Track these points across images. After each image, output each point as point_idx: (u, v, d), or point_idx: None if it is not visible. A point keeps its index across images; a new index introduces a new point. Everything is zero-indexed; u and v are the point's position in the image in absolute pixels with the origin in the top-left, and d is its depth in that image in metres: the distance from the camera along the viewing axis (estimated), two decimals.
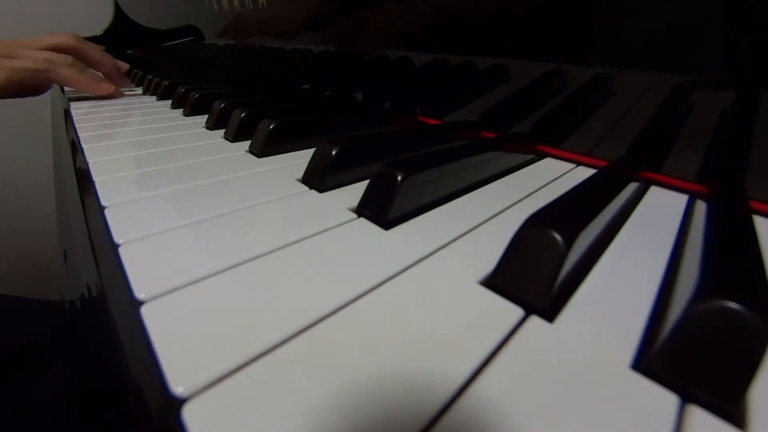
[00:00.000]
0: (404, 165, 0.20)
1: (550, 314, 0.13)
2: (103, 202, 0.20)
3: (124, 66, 0.68)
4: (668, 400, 0.10)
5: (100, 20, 1.31)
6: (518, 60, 0.32)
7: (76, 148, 0.32)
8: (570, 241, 0.13)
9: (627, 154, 0.27)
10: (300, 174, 0.25)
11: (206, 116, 0.41)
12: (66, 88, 0.65)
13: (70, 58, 0.54)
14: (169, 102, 0.51)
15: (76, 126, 0.39)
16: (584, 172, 0.28)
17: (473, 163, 0.24)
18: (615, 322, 0.13)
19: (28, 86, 0.52)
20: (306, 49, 0.56)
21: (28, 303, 0.59)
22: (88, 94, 0.57)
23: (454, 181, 0.23)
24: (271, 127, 0.30)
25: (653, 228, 0.20)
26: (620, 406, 0.10)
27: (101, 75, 0.61)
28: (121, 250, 0.16)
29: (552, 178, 0.27)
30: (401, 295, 0.14)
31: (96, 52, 0.62)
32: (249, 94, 0.50)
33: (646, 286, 0.15)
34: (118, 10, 1.30)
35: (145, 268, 0.15)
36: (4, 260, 1.19)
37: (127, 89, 0.65)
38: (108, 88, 0.56)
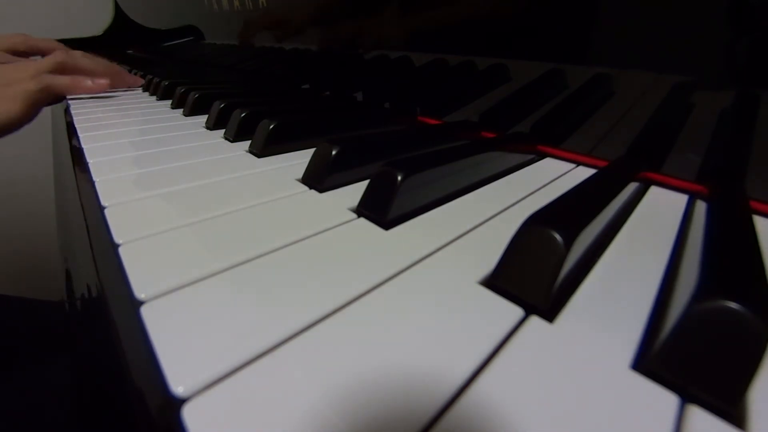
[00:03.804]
0: (404, 165, 0.20)
1: (550, 314, 0.13)
2: (103, 202, 0.20)
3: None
4: (668, 400, 0.10)
5: (100, 20, 1.31)
6: (518, 60, 0.32)
7: (76, 147, 0.32)
8: (570, 241, 0.13)
9: (627, 154, 0.27)
10: (300, 174, 0.25)
11: (206, 116, 0.41)
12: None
13: (59, 60, 0.54)
14: (169, 102, 0.51)
15: (76, 126, 0.39)
16: (584, 172, 0.28)
17: (473, 163, 0.24)
18: (615, 322, 0.13)
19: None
20: (306, 49, 0.56)
21: (28, 303, 0.59)
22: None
23: (454, 181, 0.23)
24: (271, 127, 0.30)
25: (653, 228, 0.20)
26: (620, 406, 0.10)
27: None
28: (121, 250, 0.16)
29: (552, 178, 0.27)
30: (401, 295, 0.14)
31: (91, 63, 0.60)
32: (249, 94, 0.50)
33: (646, 286, 0.15)
34: (118, 10, 1.30)
35: (145, 268, 0.15)
36: (4, 260, 1.19)
37: (127, 89, 0.65)
38: (102, 83, 0.56)
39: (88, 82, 0.55)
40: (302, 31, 0.55)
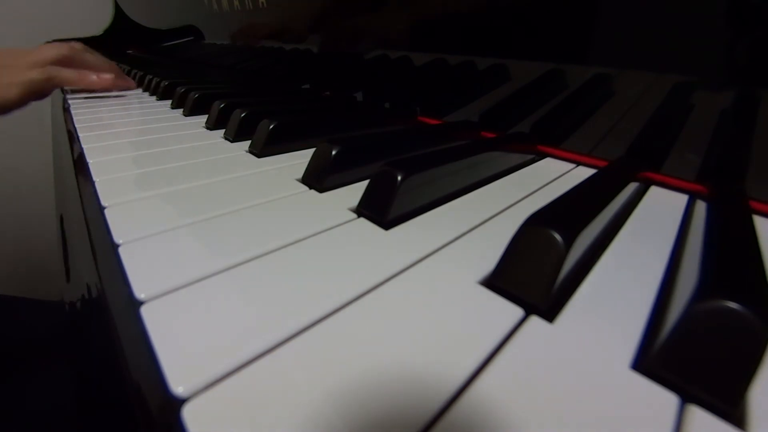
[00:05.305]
0: (404, 165, 0.20)
1: (550, 314, 0.13)
2: (103, 202, 0.20)
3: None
4: (668, 400, 0.10)
5: (100, 20, 1.31)
6: (518, 60, 0.32)
7: (76, 147, 0.32)
8: (570, 241, 0.13)
9: (627, 154, 0.27)
10: (300, 174, 0.25)
11: (206, 116, 0.41)
12: (66, 88, 0.65)
13: (64, 53, 0.55)
14: (169, 102, 0.51)
15: (76, 126, 0.39)
16: (584, 172, 0.28)
17: (473, 163, 0.24)
18: (615, 322, 0.13)
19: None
20: (306, 49, 0.56)
21: (28, 303, 0.59)
22: (89, 91, 0.58)
23: (454, 181, 0.23)
24: (271, 127, 0.30)
25: (653, 228, 0.20)
26: (620, 406, 0.10)
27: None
28: (121, 250, 0.16)
29: (552, 178, 0.27)
30: (401, 295, 0.14)
31: (94, 58, 0.61)
32: (249, 94, 0.50)
33: (646, 286, 0.15)
34: (118, 10, 1.30)
35: (144, 268, 0.15)
36: (4, 260, 1.19)
37: (128, 91, 0.65)
38: (107, 78, 0.56)
39: (93, 77, 0.55)
40: (301, 32, 0.55)
